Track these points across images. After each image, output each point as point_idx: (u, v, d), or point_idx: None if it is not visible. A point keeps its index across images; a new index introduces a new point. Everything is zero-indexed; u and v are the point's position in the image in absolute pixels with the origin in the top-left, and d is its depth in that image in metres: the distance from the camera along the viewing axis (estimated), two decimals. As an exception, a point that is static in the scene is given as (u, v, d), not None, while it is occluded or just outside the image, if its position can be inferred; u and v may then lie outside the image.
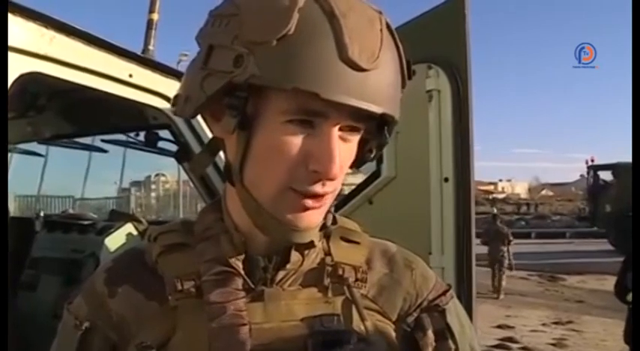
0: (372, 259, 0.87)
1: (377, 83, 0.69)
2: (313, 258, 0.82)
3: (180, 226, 0.87)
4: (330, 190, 0.74)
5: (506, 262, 12.07)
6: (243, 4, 0.71)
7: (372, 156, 0.83)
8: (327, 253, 0.84)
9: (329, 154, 0.70)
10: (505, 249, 12.06)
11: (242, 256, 0.79)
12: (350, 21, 0.67)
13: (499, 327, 8.92)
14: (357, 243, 0.87)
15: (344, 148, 0.73)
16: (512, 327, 9.03)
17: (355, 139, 0.76)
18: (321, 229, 0.83)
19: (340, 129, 0.72)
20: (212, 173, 2.25)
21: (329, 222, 0.86)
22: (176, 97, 0.80)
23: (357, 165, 0.81)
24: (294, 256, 0.80)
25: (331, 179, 0.72)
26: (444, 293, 0.88)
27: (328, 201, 0.76)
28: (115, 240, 2.65)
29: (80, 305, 0.84)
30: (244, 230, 0.80)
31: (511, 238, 12.42)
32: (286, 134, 0.70)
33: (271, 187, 0.73)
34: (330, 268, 0.82)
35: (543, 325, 9.36)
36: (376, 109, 0.69)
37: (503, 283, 12.02)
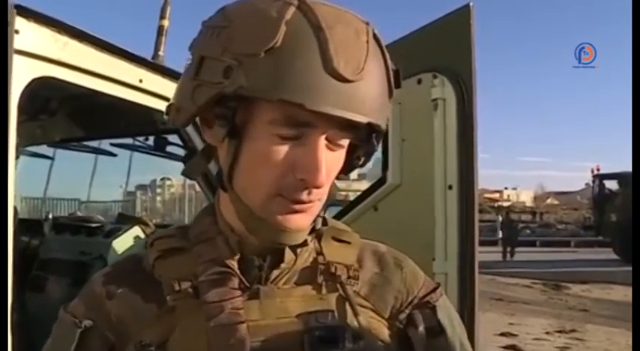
0: (363, 258, 0.89)
1: (362, 94, 0.71)
2: (306, 257, 0.85)
3: (176, 232, 0.89)
4: (317, 198, 0.76)
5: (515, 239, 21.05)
6: (233, 16, 0.73)
7: (360, 163, 0.84)
8: (319, 252, 0.86)
9: (315, 163, 0.72)
10: (514, 232, 21.16)
11: (237, 256, 0.81)
12: (336, 33, 0.69)
13: (502, 335, 8.87)
14: (348, 243, 0.89)
15: (330, 156, 0.75)
16: (516, 335, 8.98)
17: (342, 148, 0.78)
18: (311, 232, 0.85)
19: (327, 138, 0.73)
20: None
21: (319, 224, 0.88)
22: (169, 106, 0.82)
23: (345, 172, 0.83)
24: (288, 255, 0.82)
25: (317, 187, 0.74)
26: (434, 290, 0.90)
27: (316, 207, 0.78)
28: (123, 242, 2.67)
29: (78, 306, 0.86)
30: (239, 231, 0.82)
31: (517, 221, 21.35)
32: (274, 144, 0.72)
33: (260, 194, 0.75)
34: (322, 267, 0.84)
35: (547, 333, 9.29)
36: (361, 118, 0.71)
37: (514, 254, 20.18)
